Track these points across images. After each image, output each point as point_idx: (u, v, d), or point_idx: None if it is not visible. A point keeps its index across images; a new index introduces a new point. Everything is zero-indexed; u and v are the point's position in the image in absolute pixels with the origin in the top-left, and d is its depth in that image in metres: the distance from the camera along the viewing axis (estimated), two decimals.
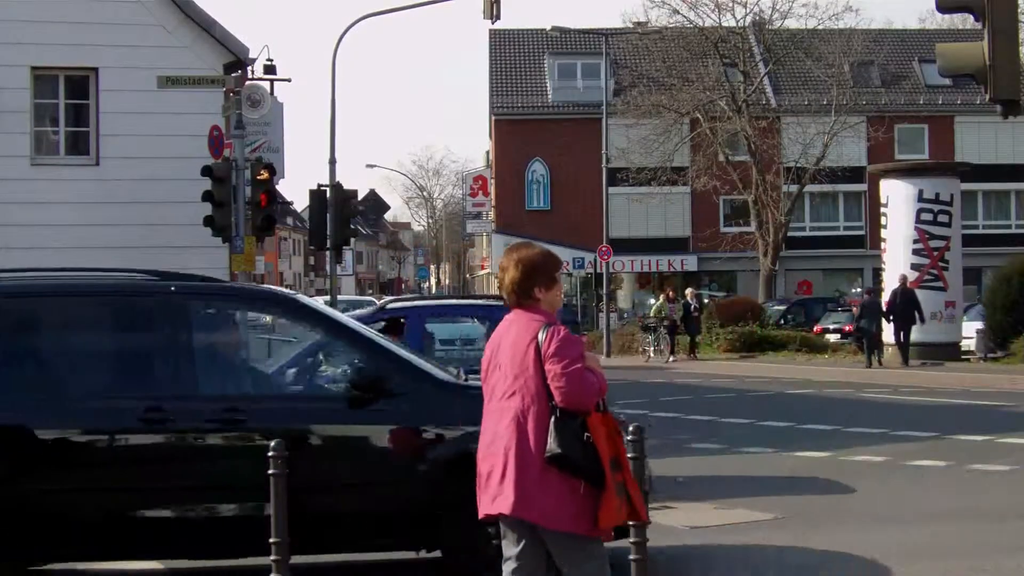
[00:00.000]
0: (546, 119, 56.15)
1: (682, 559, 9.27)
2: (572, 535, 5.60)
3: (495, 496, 5.66)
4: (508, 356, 5.76)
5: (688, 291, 37.88)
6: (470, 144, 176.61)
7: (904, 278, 30.34)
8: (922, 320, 29.37)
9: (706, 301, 43.86)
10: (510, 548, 5.77)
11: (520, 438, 5.59)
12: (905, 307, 29.41)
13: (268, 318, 10.40)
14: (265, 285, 28.81)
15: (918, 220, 32.73)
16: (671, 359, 34.55)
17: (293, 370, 9.18)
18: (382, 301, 18.78)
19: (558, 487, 5.54)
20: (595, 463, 5.52)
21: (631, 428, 6.70)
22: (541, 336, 5.65)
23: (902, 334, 29.29)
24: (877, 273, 39.66)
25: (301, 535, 7.53)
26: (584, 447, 5.52)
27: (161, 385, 7.93)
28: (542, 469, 5.54)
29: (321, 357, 9.04)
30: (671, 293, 36.99)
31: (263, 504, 7.38)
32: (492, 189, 58.32)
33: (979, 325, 33.05)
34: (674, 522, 10.42)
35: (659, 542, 8.44)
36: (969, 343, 33.17)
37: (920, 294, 32.42)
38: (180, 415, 7.78)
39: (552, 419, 5.55)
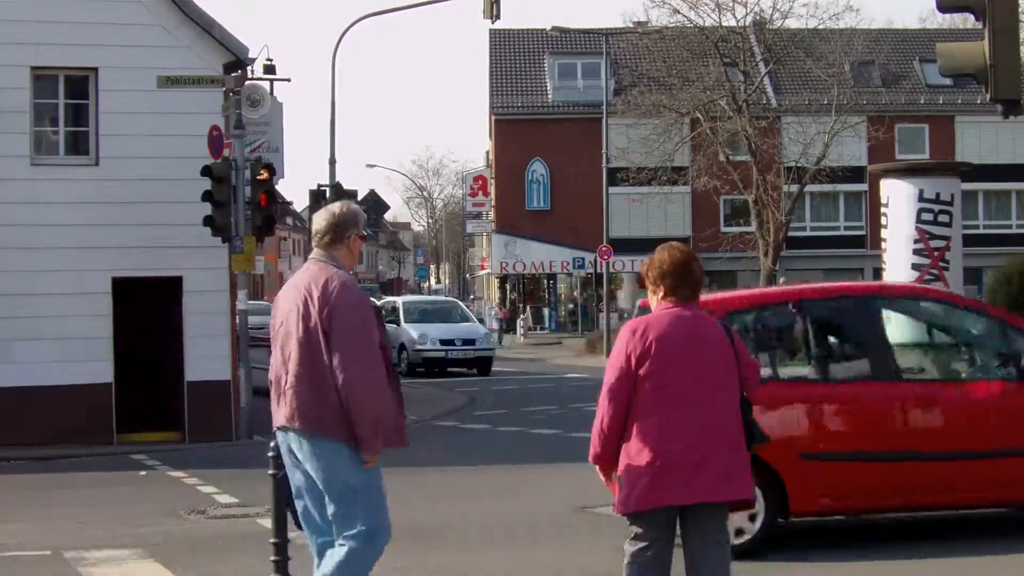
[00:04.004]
0: (546, 119, 56.12)
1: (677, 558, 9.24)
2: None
3: (717, 485, 6.02)
4: (710, 352, 6.12)
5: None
6: (470, 144, 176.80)
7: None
8: None
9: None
10: (653, 537, 6.12)
11: (738, 428, 6.14)
12: None
13: None
14: None
15: (918, 220, 32.63)
16: None
17: None
18: None
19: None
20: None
21: None
22: (728, 334, 6.22)
23: None
24: (877, 273, 39.66)
25: None
26: None
27: None
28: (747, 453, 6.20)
29: None
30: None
31: None
32: (492, 189, 58.29)
33: None
34: None
35: None
36: None
37: None
38: None
39: (748, 409, 6.20)
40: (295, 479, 6.38)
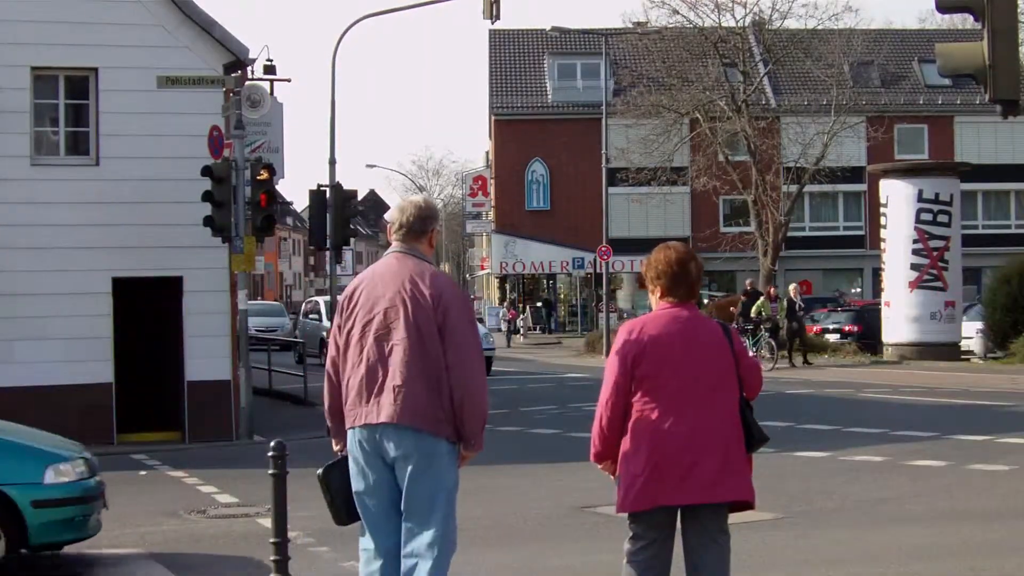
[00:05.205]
0: (546, 119, 56.15)
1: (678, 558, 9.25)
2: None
3: (711, 485, 6.01)
4: (707, 352, 6.11)
5: (792, 288, 33.54)
6: (470, 144, 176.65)
7: (796, 289, 32.74)
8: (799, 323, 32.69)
9: (705, 301, 43.77)
10: (651, 537, 6.14)
11: (736, 428, 6.09)
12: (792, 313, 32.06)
13: None
14: None
15: (918, 220, 32.76)
16: (775, 365, 30.50)
17: None
18: None
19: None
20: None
21: None
22: (726, 334, 6.20)
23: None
24: (877, 273, 39.68)
25: None
26: None
27: None
28: (746, 454, 6.16)
29: None
30: (772, 291, 33.91)
31: None
32: (492, 189, 58.30)
33: (979, 325, 33.09)
34: None
35: None
36: (969, 343, 33.21)
37: (920, 294, 32.57)
38: None
39: (747, 409, 6.16)
40: (367, 477, 6.12)
